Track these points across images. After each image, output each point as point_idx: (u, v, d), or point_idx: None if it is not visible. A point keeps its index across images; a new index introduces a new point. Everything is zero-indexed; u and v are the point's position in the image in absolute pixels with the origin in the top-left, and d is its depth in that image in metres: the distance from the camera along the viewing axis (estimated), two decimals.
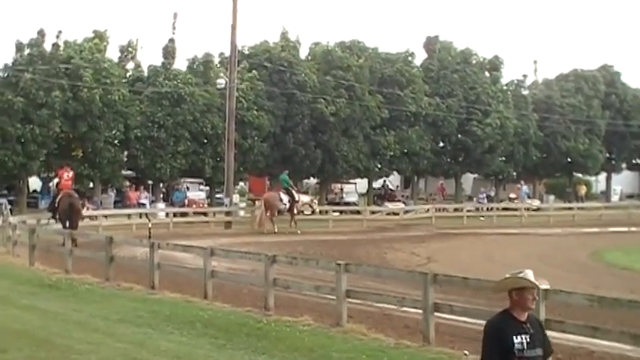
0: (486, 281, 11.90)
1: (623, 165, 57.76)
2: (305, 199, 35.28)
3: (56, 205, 27.19)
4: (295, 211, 33.50)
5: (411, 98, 45.39)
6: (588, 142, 52.05)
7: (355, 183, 49.81)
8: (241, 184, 49.39)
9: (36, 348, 10.25)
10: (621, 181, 59.75)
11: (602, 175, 57.77)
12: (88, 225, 31.54)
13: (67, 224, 25.82)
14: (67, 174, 28.20)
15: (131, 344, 10.74)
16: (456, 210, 44.89)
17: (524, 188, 48.79)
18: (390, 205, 44.92)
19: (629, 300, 10.41)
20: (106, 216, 34.29)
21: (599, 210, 48.16)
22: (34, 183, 43.10)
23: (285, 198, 33.30)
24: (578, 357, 10.76)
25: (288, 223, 33.42)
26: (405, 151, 45.85)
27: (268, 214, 32.67)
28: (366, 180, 48.15)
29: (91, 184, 39.91)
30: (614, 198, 57.75)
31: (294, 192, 34.31)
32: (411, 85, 45.76)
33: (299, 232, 32.56)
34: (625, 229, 38.19)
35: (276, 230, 32.18)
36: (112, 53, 39.86)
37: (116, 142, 38.87)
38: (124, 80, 39.15)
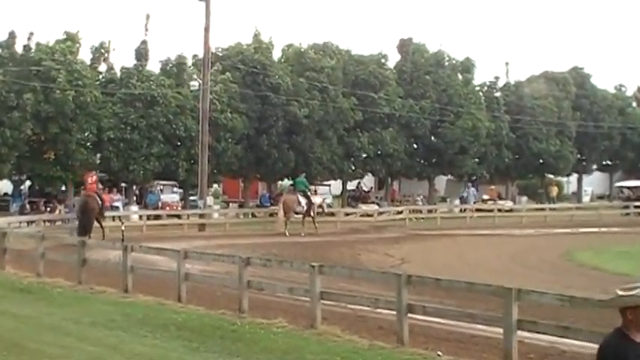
0: (459, 282, 12.02)
1: (594, 166, 58.43)
2: (317, 200, 36.20)
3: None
4: (312, 213, 34.43)
5: (385, 100, 45.55)
6: (559, 144, 52.58)
7: (329, 185, 49.88)
8: (215, 186, 49.23)
9: (7, 352, 10.15)
10: (592, 182, 60.44)
11: (574, 177, 58.41)
12: (60, 228, 31.35)
13: (80, 223, 28.17)
14: (91, 178, 30.74)
15: (104, 348, 10.68)
16: (429, 212, 45.20)
17: (472, 190, 49.33)
18: (364, 207, 45.06)
19: (598, 299, 10.52)
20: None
21: (570, 211, 48.72)
22: (5, 186, 42.65)
23: (303, 201, 34.33)
24: (550, 357, 10.88)
25: (302, 224, 34.24)
26: (379, 152, 46.01)
27: (285, 216, 33.62)
28: (339, 181, 48.26)
29: (63, 187, 39.59)
30: (585, 199, 58.40)
31: (310, 194, 35.34)
32: (385, 87, 45.91)
33: (317, 232, 33.49)
34: (596, 229, 38.61)
35: (287, 233, 32.73)
36: (84, 55, 39.61)
37: (89, 144, 38.56)
38: (96, 82, 38.86)
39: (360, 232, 35.68)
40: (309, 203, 34.49)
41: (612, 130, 55.38)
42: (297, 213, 34.14)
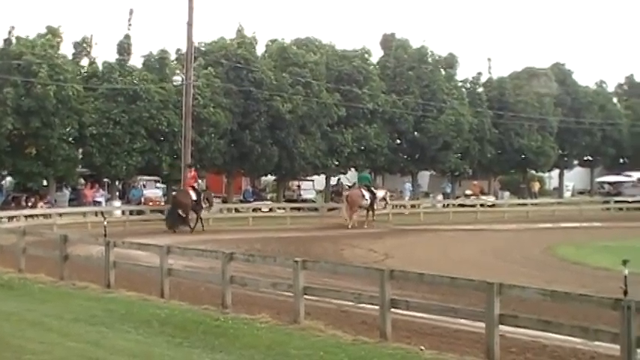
0: (441, 277, 12.07)
1: (575, 162, 58.79)
2: (380, 193, 37.79)
3: None
4: (375, 206, 36.52)
5: (368, 95, 45.58)
6: (541, 139, 52.86)
7: (313, 180, 49.91)
8: (199, 181, 49.06)
9: None
10: (573, 178, 60.81)
11: (555, 172, 58.73)
12: (42, 223, 31.21)
13: (168, 215, 32.44)
14: (190, 173, 34.28)
15: (86, 344, 10.64)
16: (412, 207, 45.34)
17: (408, 185, 49.48)
18: None
19: (579, 294, 10.62)
20: (60, 214, 33.92)
21: (552, 206, 49.07)
22: None
23: (367, 194, 36.13)
24: (531, 350, 10.95)
25: (366, 217, 36.03)
26: (363, 148, 46.06)
27: (350, 210, 35.41)
28: (323, 177, 48.30)
29: (45, 182, 39.32)
30: (567, 194, 58.78)
31: (373, 189, 37.16)
32: (368, 82, 45.94)
33: (374, 224, 35.60)
34: (577, 224, 38.90)
35: (349, 226, 34.49)
36: (66, 49, 39.33)
37: (70, 139, 38.31)
38: (78, 77, 38.61)
39: (344, 228, 35.71)
40: (373, 197, 36.27)
41: (593, 126, 55.74)
42: (360, 207, 35.76)
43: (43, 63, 36.27)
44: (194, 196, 33.12)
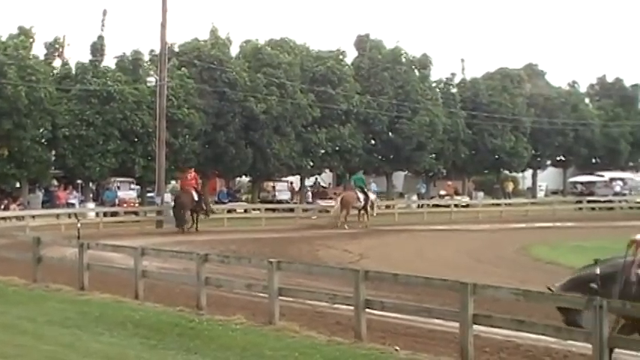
0: (416, 277, 12.14)
1: (548, 162, 59.31)
2: (371, 197, 38.16)
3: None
4: (368, 208, 36.90)
5: (343, 96, 45.66)
6: (514, 140, 53.28)
7: (288, 181, 49.90)
8: (173, 182, 48.90)
9: None
10: (546, 178, 61.34)
11: (528, 172, 59.22)
12: (14, 225, 30.91)
13: (174, 215, 33.13)
14: (189, 175, 35.54)
15: (60, 346, 10.57)
16: (387, 207, 45.46)
17: (373, 185, 49.77)
18: (322, 203, 45.14)
19: (552, 293, 10.72)
20: (33, 216, 33.62)
21: (525, 206, 49.45)
22: None
23: (361, 197, 36.63)
24: (505, 350, 11.04)
25: (358, 218, 36.45)
26: (337, 148, 46.14)
27: (343, 212, 35.73)
28: (298, 177, 48.29)
29: (18, 184, 38.95)
30: (540, 194, 59.28)
31: (367, 191, 37.50)
32: (343, 83, 46.02)
33: (367, 226, 35.84)
34: (550, 224, 39.23)
35: (338, 225, 35.08)
36: (39, 50, 39.02)
37: (43, 140, 38.01)
38: (50, 78, 38.29)
39: (319, 228, 35.75)
40: (367, 198, 36.75)
41: (566, 127, 56.26)
42: (354, 208, 36.23)
43: (13, 64, 35.91)
44: (196, 197, 33.80)
